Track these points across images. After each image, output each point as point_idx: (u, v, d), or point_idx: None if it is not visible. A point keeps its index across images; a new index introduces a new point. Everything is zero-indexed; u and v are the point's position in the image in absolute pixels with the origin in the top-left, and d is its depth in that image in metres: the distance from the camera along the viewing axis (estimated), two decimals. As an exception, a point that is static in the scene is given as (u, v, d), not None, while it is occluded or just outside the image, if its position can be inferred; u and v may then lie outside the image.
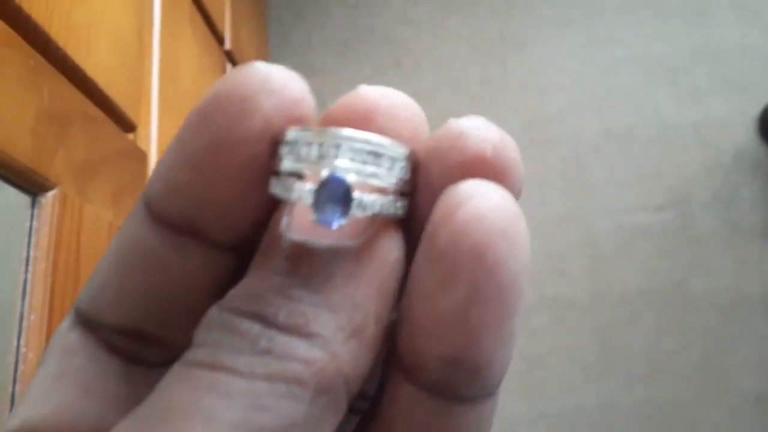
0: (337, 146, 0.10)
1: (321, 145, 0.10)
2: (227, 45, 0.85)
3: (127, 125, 0.51)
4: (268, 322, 0.10)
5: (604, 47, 1.09)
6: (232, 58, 0.87)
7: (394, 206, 0.11)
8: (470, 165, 0.11)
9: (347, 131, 0.10)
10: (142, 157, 0.53)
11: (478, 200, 0.10)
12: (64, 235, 0.40)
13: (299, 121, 0.11)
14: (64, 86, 0.42)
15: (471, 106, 1.10)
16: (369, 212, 0.10)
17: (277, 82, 0.11)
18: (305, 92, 0.11)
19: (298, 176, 0.10)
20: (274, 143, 0.11)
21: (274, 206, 0.11)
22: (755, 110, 1.01)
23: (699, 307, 0.95)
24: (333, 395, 0.10)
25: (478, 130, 0.11)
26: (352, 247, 0.10)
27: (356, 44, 1.17)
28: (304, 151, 0.10)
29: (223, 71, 0.83)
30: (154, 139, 0.56)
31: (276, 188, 0.11)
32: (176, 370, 0.10)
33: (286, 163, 0.10)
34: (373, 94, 0.11)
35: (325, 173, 0.10)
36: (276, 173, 0.11)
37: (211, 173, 0.11)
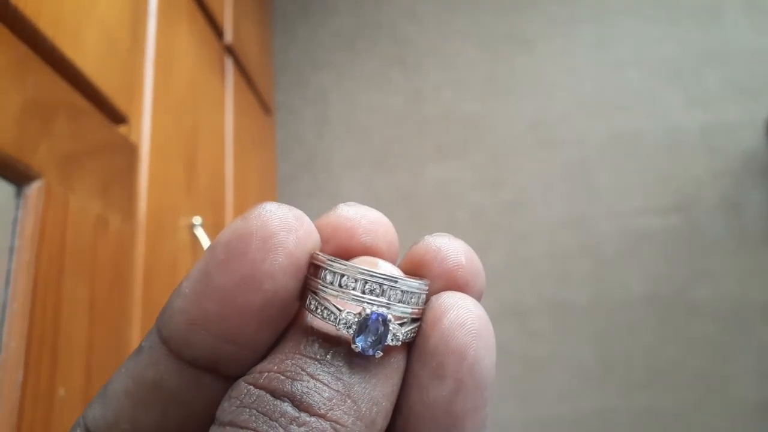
0: (380, 285, 0.12)
1: (366, 282, 0.12)
2: (228, 38, 0.85)
3: (117, 117, 0.51)
4: (299, 403, 0.11)
5: (613, 48, 1.08)
6: (232, 52, 0.87)
7: (414, 333, 0.13)
8: (452, 271, 0.13)
9: (386, 272, 0.12)
10: (131, 149, 0.53)
11: (458, 310, 0.12)
12: (49, 225, 0.40)
13: (312, 252, 0.13)
14: (51, 77, 0.42)
15: (476, 105, 1.09)
16: (399, 342, 0.12)
17: (292, 222, 0.12)
18: (313, 227, 0.13)
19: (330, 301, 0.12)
20: (312, 266, 0.13)
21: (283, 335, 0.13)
22: (765, 114, 0.99)
23: (701, 314, 0.94)
24: None
25: (452, 245, 0.13)
26: (376, 356, 0.12)
27: (362, 40, 1.17)
28: (350, 284, 0.12)
29: (222, 66, 0.83)
30: (146, 132, 0.56)
31: (317, 310, 0.12)
32: None
33: (329, 290, 0.12)
34: (354, 215, 0.13)
35: (368, 309, 0.12)
36: (314, 293, 0.12)
37: (238, 306, 0.12)
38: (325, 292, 0.12)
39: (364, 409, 0.11)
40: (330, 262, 0.12)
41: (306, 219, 0.13)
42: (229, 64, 0.85)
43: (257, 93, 0.99)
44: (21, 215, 0.40)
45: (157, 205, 0.56)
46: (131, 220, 0.51)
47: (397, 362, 0.13)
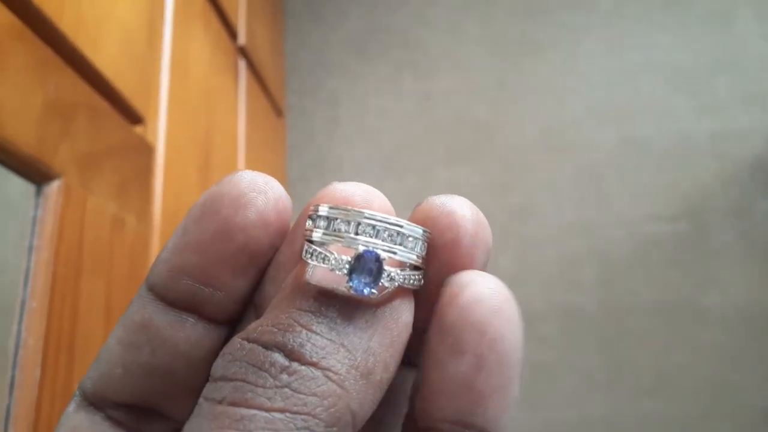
0: (373, 226, 0.12)
1: (359, 224, 0.12)
2: (241, 40, 0.86)
3: (134, 118, 0.51)
4: (291, 352, 0.11)
5: (624, 54, 1.08)
6: (246, 54, 0.88)
7: (414, 279, 0.13)
8: (458, 223, 0.13)
9: (380, 214, 0.12)
10: (148, 150, 0.53)
11: (477, 286, 0.12)
12: (67, 225, 0.41)
13: (282, 212, 0.14)
14: (71, 78, 0.43)
15: (487, 110, 1.09)
16: (395, 283, 0.12)
17: (262, 184, 0.13)
18: (283, 191, 0.14)
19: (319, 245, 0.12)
20: (309, 218, 0.13)
21: (260, 285, 0.14)
22: (776, 122, 0.99)
23: (709, 321, 0.93)
24: (341, 427, 0.11)
25: (457, 199, 0.13)
26: (372, 299, 0.12)
27: (373, 44, 1.17)
28: (342, 227, 0.12)
29: (236, 67, 0.84)
30: (162, 133, 0.57)
31: (311, 257, 0.12)
32: (205, 407, 0.11)
33: (323, 235, 0.12)
34: (349, 187, 0.14)
35: (360, 248, 0.12)
36: (310, 241, 0.12)
37: (213, 255, 0.13)
38: (319, 237, 0.12)
39: (359, 359, 0.11)
40: (322, 207, 0.12)
41: (275, 183, 0.14)
42: (242, 66, 0.86)
43: (269, 95, 1.00)
44: (40, 214, 0.40)
45: (172, 206, 0.56)
46: (147, 220, 0.52)
47: (397, 312, 0.12)
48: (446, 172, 1.07)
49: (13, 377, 0.37)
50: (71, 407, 0.14)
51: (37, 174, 0.39)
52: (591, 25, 1.10)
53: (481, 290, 0.12)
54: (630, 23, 1.09)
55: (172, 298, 0.14)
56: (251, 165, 0.83)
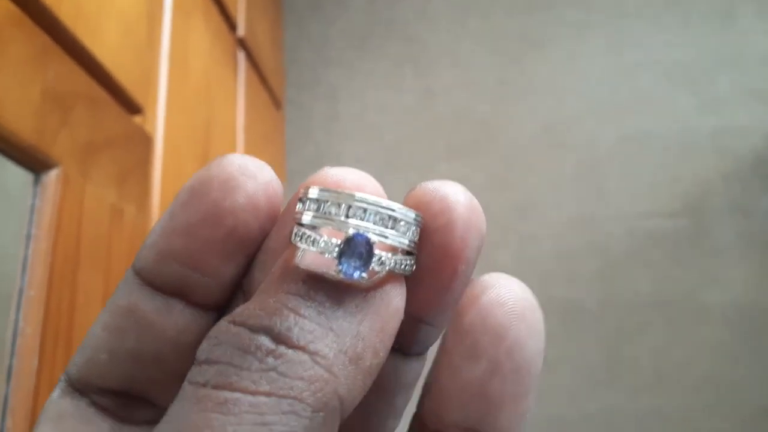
0: (364, 209, 0.12)
1: (349, 207, 0.12)
2: (241, 32, 0.85)
3: (133, 108, 0.51)
4: (278, 336, 0.11)
5: (625, 51, 1.07)
6: (245, 46, 0.87)
7: (406, 263, 0.12)
8: (452, 208, 0.13)
9: (372, 197, 0.12)
10: (146, 140, 0.53)
11: (500, 289, 0.12)
12: (65, 214, 0.41)
13: (272, 197, 0.13)
14: (70, 67, 0.43)
15: (487, 106, 1.09)
16: (386, 268, 0.12)
17: (252, 168, 0.13)
18: (274, 176, 0.13)
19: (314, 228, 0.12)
20: (299, 201, 0.13)
21: (249, 271, 0.14)
22: (777, 119, 0.99)
23: (710, 317, 0.93)
24: (329, 412, 0.11)
25: (451, 184, 0.13)
26: (362, 284, 0.12)
27: (373, 39, 1.17)
28: (332, 209, 0.12)
29: (235, 59, 0.84)
30: (161, 123, 0.57)
31: (300, 240, 0.12)
32: (188, 391, 0.11)
33: (313, 218, 0.12)
34: (341, 171, 0.13)
35: (351, 231, 0.11)
36: (300, 225, 0.12)
37: (202, 239, 0.13)
38: (309, 220, 0.12)
39: (348, 343, 0.11)
40: (313, 190, 0.12)
41: (266, 167, 0.13)
42: (241, 58, 0.86)
43: (268, 88, 1.00)
44: (38, 203, 0.40)
45: (171, 196, 0.56)
46: (145, 210, 0.52)
47: (388, 297, 0.12)
48: (446, 168, 1.06)
49: (10, 366, 0.36)
50: (56, 393, 0.14)
51: (35, 163, 0.39)
52: (592, 22, 1.10)
53: (503, 293, 0.12)
54: (631, 20, 1.09)
55: (159, 282, 0.13)
56: (251, 158, 0.82)
